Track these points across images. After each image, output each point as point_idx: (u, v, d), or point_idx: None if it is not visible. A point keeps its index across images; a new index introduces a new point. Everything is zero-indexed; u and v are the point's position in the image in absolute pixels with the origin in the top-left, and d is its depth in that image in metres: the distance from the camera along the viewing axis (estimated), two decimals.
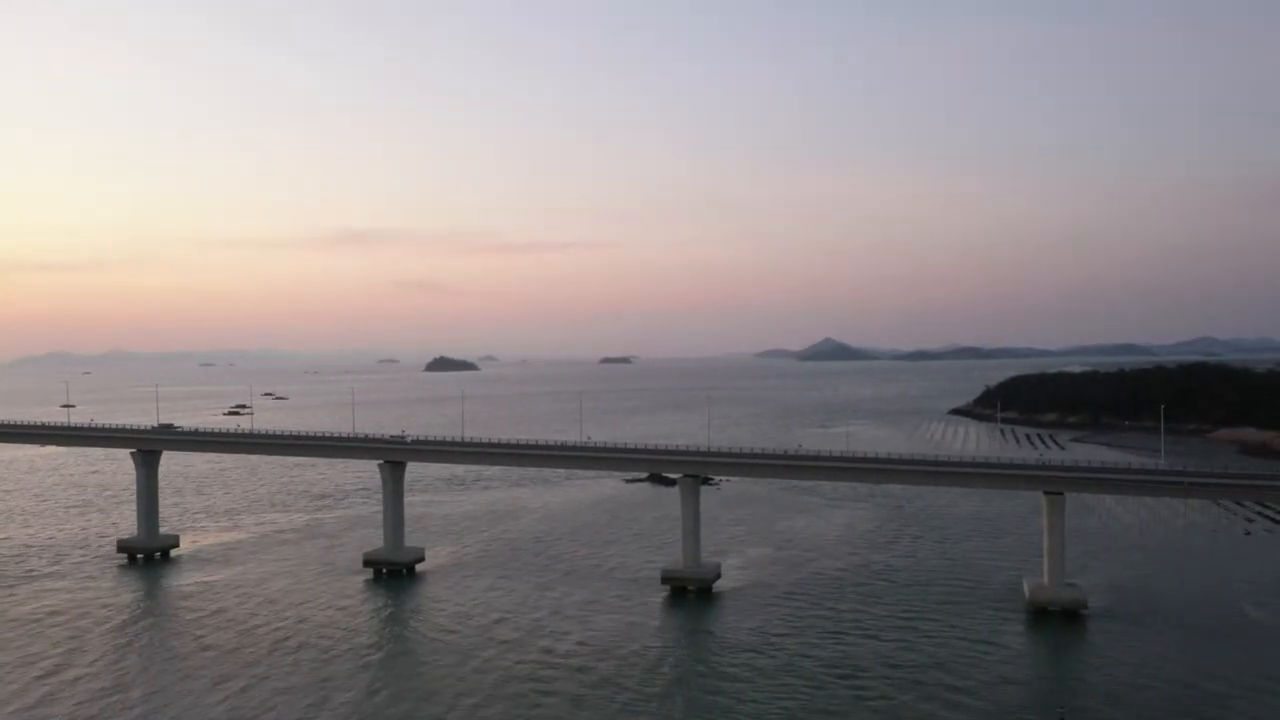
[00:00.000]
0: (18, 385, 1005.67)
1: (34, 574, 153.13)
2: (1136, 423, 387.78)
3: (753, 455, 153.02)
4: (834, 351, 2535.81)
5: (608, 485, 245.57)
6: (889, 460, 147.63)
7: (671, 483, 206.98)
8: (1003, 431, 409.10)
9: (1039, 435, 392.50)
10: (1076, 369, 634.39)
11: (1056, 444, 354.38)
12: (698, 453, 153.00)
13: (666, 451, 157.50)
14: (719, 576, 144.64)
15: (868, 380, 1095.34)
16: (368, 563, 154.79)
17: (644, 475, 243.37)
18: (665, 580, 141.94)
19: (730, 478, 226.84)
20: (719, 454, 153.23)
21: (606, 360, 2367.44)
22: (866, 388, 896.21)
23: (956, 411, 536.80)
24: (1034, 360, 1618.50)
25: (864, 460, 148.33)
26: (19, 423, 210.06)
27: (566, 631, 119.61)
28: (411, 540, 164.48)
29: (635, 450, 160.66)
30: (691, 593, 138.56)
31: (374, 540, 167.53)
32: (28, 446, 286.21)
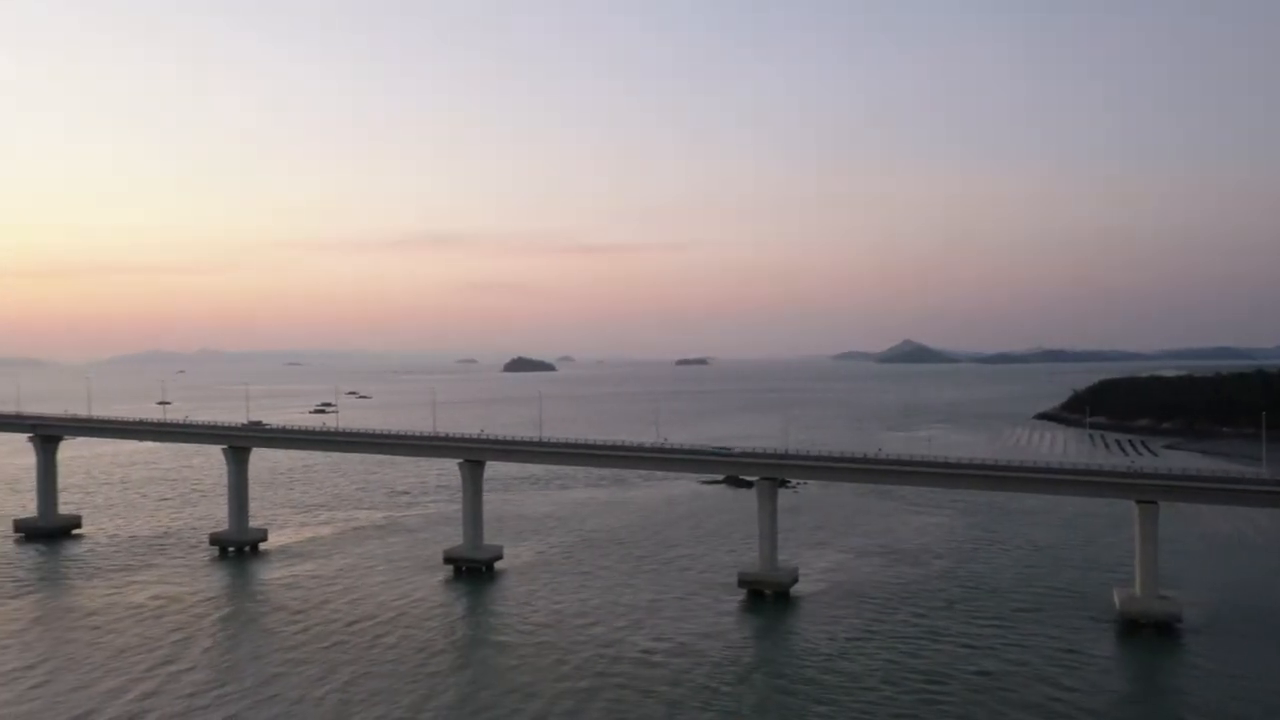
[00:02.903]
0: (117, 383, 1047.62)
1: (136, 565, 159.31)
2: (1235, 429, 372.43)
3: (831, 459, 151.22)
4: (913, 354, 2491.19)
5: (684, 487, 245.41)
6: (971, 465, 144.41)
7: (748, 485, 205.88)
8: (1092, 437, 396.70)
9: (1130, 442, 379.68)
10: (1170, 373, 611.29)
11: (1149, 451, 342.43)
12: (775, 455, 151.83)
13: (743, 454, 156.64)
14: (796, 580, 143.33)
15: (949, 383, 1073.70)
16: (448, 560, 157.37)
17: (720, 477, 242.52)
18: (742, 583, 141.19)
19: (807, 481, 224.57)
20: (796, 456, 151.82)
21: (683, 362, 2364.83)
22: (947, 391, 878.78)
23: (1043, 416, 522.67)
24: (1124, 364, 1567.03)
25: (945, 465, 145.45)
26: (119, 419, 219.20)
27: (645, 632, 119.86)
28: (490, 538, 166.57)
29: (712, 452, 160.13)
30: (769, 596, 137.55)
31: (453, 538, 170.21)
32: (127, 442, 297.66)
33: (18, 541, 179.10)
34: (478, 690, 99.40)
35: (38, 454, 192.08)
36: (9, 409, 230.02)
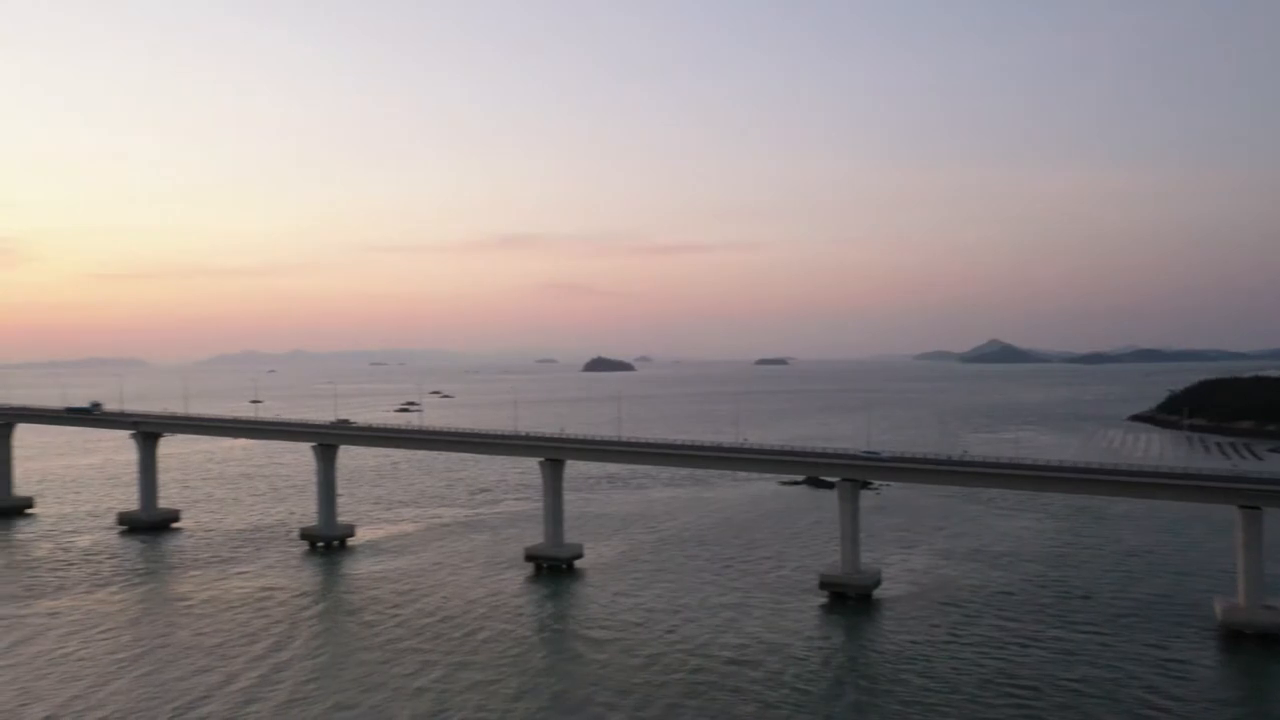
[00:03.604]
0: (213, 382, 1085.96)
1: (232, 558, 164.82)
2: None
3: (914, 460, 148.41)
4: (1000, 353, 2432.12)
5: (764, 487, 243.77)
6: (1061, 468, 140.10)
7: (829, 486, 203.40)
8: (1190, 440, 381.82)
9: (1232, 445, 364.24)
10: (1276, 373, 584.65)
11: (1253, 454, 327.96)
12: (857, 456, 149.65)
13: (824, 454, 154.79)
14: (879, 583, 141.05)
15: (1038, 384, 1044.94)
16: (529, 557, 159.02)
17: (801, 478, 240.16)
18: (824, 585, 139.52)
19: (890, 483, 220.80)
20: (878, 457, 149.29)
21: (762, 361, 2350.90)
22: (1037, 391, 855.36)
23: (1137, 418, 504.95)
24: (1224, 364, 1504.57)
25: (1034, 468, 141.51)
26: (215, 417, 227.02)
27: (729, 632, 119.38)
28: (570, 537, 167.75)
29: (792, 452, 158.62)
30: (851, 598, 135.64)
31: (534, 535, 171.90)
32: (222, 439, 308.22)
33: (121, 534, 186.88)
34: (570, 687, 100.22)
35: (139, 450, 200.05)
36: (113, 407, 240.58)
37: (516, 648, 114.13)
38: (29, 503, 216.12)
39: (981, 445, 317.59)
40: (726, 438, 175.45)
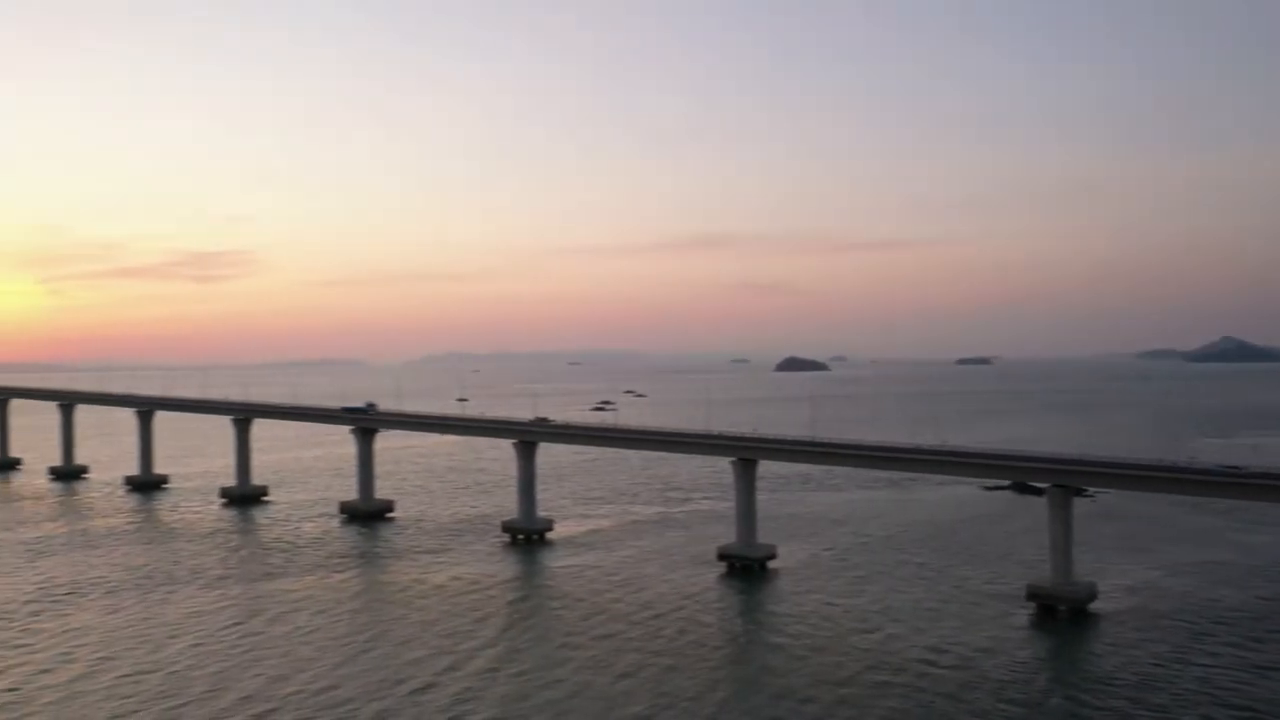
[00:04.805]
0: (423, 381, 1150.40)
1: (439, 547, 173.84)
2: None
3: (1135, 466, 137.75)
4: (1234, 351, 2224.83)
5: (965, 492, 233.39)
6: None
7: (1038, 492, 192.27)
8: None
9: None
10: None
11: None
12: (1069, 460, 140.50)
13: (1033, 458, 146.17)
14: (1094, 596, 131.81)
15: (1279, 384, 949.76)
16: (721, 556, 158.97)
17: (1006, 483, 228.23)
18: (1032, 596, 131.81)
19: (1106, 490, 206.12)
20: (1094, 463, 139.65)
21: (963, 361, 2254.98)
22: (1278, 393, 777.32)
23: None
24: None
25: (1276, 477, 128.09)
26: (428, 414, 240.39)
27: (928, 642, 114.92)
28: (762, 537, 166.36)
29: (997, 455, 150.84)
30: (1062, 612, 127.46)
31: (726, 535, 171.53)
32: (431, 435, 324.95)
33: (342, 522, 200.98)
34: (756, 689, 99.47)
35: (357, 444, 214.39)
36: (333, 404, 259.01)
37: (707, 646, 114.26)
38: (264, 491, 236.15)
39: (1213, 452, 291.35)
40: (925, 440, 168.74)
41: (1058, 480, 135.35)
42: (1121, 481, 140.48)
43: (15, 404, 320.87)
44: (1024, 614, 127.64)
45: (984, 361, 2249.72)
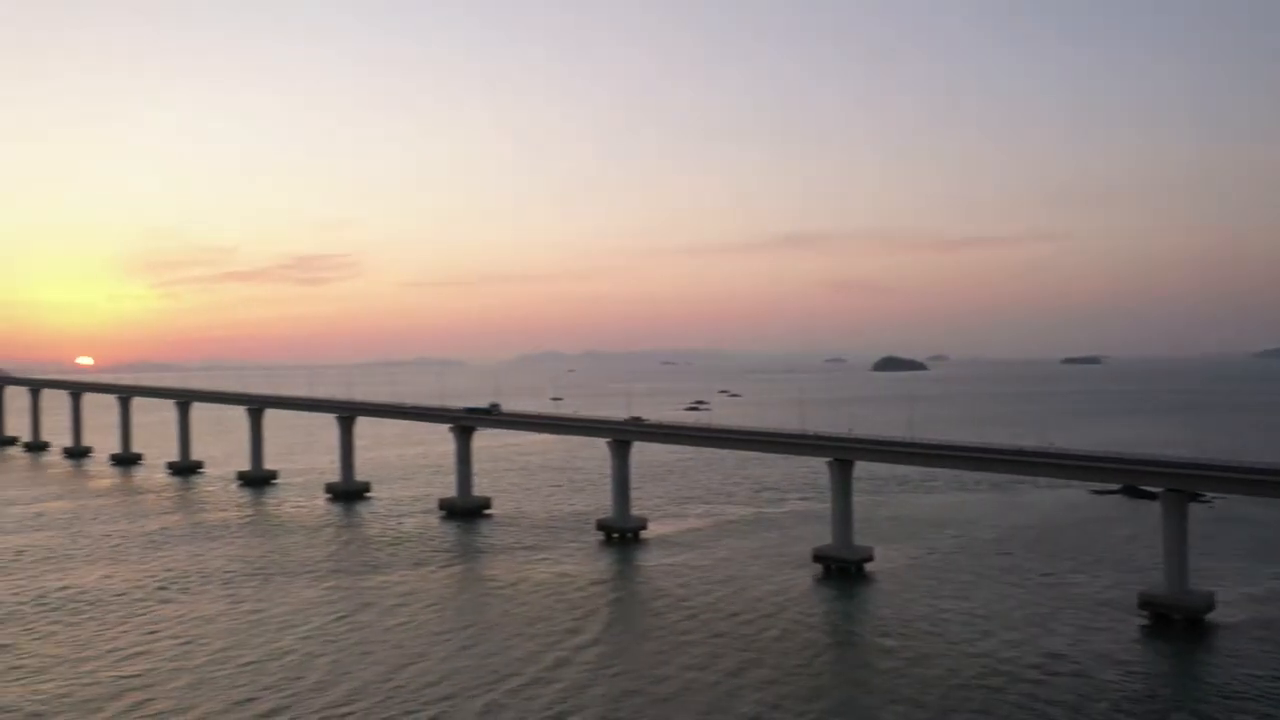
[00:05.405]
0: (519, 380, 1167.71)
1: (536, 544, 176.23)
2: None
3: (1256, 470, 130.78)
4: None
5: (1072, 495, 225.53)
6: None
7: (1150, 496, 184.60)
8: None
9: None
10: None
11: None
12: (1185, 464, 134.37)
13: (1145, 460, 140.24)
14: (1212, 607, 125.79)
15: None
16: (817, 558, 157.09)
17: (1116, 487, 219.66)
18: (1144, 605, 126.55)
19: (1225, 495, 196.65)
20: (1212, 466, 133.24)
21: (1069, 360, 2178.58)
22: None
23: None
24: None
25: None
26: (521, 413, 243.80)
27: (1035, 649, 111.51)
28: (859, 539, 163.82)
29: (1106, 458, 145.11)
30: (1178, 621, 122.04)
31: (821, 536, 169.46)
32: (527, 434, 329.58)
33: (441, 518, 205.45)
34: (862, 694, 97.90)
35: (456, 442, 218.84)
36: (434, 403, 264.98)
37: (807, 649, 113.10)
38: (367, 487, 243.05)
39: None
40: (1029, 441, 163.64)
41: (1172, 484, 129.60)
42: (1241, 486, 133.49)
43: (136, 402, 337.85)
44: (1135, 623, 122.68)
45: (1092, 361, 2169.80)
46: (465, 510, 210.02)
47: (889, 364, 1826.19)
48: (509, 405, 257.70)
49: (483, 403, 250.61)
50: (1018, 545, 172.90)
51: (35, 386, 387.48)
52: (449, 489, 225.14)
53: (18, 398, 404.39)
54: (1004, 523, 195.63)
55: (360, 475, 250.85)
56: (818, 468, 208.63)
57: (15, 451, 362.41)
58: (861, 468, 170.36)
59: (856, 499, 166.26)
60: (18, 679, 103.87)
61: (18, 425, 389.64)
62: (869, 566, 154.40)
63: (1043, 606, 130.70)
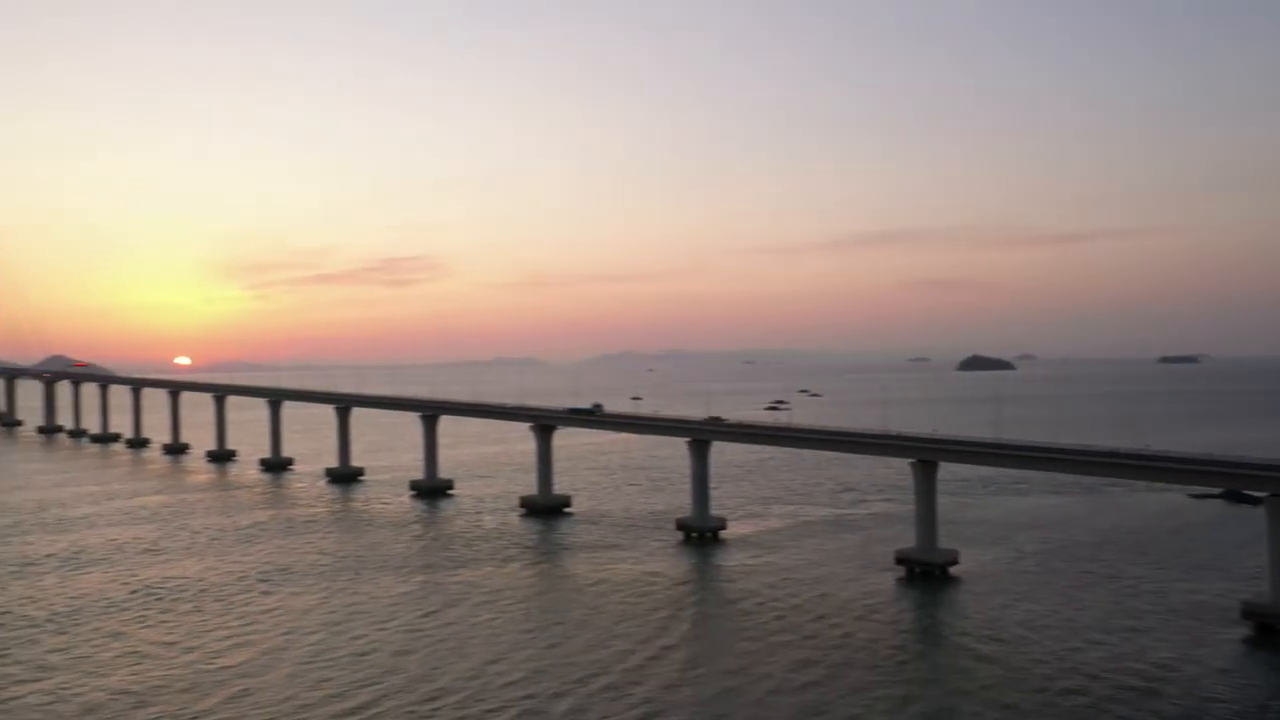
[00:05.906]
0: (599, 380, 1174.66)
1: (616, 543, 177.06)
2: None
3: None
4: None
5: (1169, 499, 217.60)
6: None
7: (1254, 502, 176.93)
8: None
9: None
10: None
11: None
12: None
13: (1249, 464, 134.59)
14: None
15: None
16: (900, 560, 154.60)
17: (1217, 491, 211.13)
18: (1248, 614, 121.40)
19: None
20: None
21: (1166, 359, 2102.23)
22: None
23: None
24: None
25: None
26: (607, 413, 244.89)
27: (1128, 658, 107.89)
28: (943, 541, 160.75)
29: (1207, 461, 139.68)
30: None
31: (904, 538, 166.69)
32: (607, 433, 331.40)
33: (522, 516, 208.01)
34: (954, 701, 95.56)
35: (537, 441, 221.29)
36: (513, 402, 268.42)
37: (895, 653, 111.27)
38: (450, 484, 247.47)
39: None
40: (1123, 443, 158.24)
41: (1278, 489, 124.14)
42: None
43: (230, 400, 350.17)
44: (1238, 634, 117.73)
45: (1190, 360, 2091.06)
46: (545, 508, 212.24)
47: (974, 363, 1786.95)
48: (587, 404, 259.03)
49: (585, 403, 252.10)
50: (1111, 550, 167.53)
51: (136, 385, 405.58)
52: (529, 487, 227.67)
53: (120, 396, 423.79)
54: (1096, 527, 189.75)
55: (443, 472, 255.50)
56: (900, 469, 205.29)
57: (118, 448, 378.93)
58: (946, 469, 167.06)
59: (941, 501, 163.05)
60: (126, 665, 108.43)
61: (120, 423, 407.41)
62: (954, 569, 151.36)
63: (1140, 614, 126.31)
